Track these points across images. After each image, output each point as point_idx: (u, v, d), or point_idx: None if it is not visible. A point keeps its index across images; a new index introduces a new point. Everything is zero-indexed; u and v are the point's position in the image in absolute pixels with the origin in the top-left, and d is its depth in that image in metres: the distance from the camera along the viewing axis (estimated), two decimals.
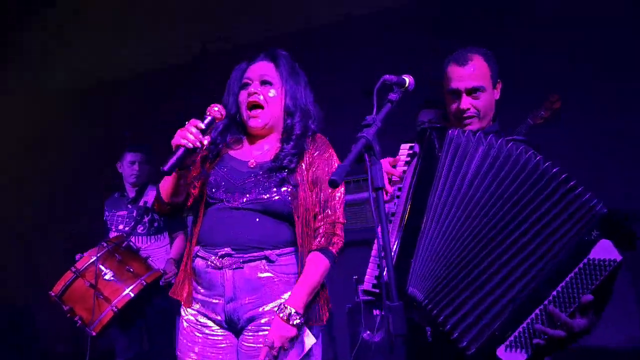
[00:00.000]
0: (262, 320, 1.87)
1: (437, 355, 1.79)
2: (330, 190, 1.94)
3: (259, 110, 1.97)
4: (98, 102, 6.11)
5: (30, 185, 6.18)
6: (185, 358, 1.94)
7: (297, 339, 1.84)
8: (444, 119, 2.57)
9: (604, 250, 1.61)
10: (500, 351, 1.63)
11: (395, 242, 1.77)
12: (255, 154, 2.02)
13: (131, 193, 3.89)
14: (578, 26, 4.09)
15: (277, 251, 1.89)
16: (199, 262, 1.95)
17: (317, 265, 1.88)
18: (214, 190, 1.95)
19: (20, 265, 6.23)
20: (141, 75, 5.96)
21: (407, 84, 1.77)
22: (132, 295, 3.22)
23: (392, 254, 1.64)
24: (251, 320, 1.89)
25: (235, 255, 1.88)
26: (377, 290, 1.81)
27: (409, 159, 1.93)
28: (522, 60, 4.15)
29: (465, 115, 2.00)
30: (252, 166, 1.98)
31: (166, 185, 1.94)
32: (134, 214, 3.79)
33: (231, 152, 2.03)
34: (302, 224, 1.89)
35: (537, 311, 1.63)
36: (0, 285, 6.02)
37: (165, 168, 1.79)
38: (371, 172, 1.48)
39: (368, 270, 1.90)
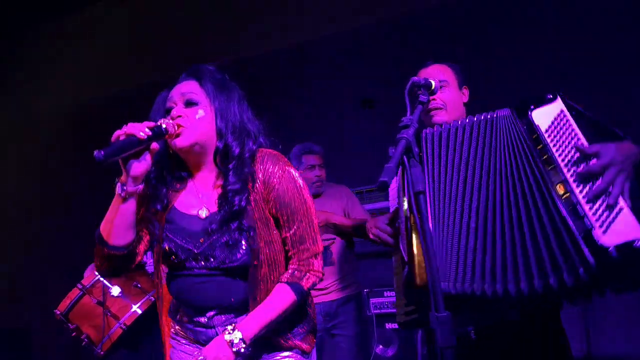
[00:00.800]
0: None
1: (484, 350, 1.77)
2: (307, 220, 1.74)
3: (183, 128, 1.68)
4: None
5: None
6: None
7: None
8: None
9: (544, 116, 1.66)
10: (604, 240, 1.46)
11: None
12: (201, 197, 1.76)
13: None
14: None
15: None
16: (183, 321, 1.81)
17: (282, 299, 1.69)
18: (173, 257, 1.73)
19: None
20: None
21: (433, 87, 1.82)
22: (140, 311, 3.13)
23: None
24: None
25: (225, 315, 1.73)
26: (412, 317, 1.80)
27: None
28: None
29: (430, 106, 2.07)
30: (203, 218, 1.73)
31: (113, 215, 1.63)
32: None
33: (176, 204, 1.76)
34: (258, 276, 1.69)
35: (572, 182, 1.55)
36: None
37: (101, 153, 1.46)
38: (411, 175, 1.42)
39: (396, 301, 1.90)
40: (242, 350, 1.62)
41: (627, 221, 1.46)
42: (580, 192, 1.54)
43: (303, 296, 1.72)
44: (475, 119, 1.77)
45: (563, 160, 1.59)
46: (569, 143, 1.61)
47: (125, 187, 1.59)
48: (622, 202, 1.50)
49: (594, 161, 1.53)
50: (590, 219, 1.48)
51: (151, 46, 5.63)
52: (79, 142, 6.12)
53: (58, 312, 3.13)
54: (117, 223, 1.63)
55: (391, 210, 2.04)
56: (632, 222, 1.45)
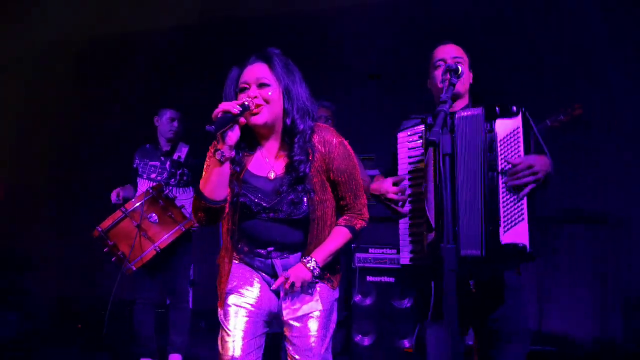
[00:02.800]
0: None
1: (479, 297, 2.30)
2: (356, 177, 2.19)
3: (261, 107, 2.05)
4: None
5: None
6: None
7: (310, 289, 2.14)
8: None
9: (504, 126, 2.23)
10: (503, 238, 2.18)
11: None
12: (268, 162, 2.16)
13: (165, 147, 4.20)
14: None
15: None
16: (244, 250, 2.22)
17: (341, 235, 2.17)
18: (246, 211, 2.14)
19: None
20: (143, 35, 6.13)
21: (460, 72, 2.29)
22: (173, 238, 3.59)
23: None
24: None
25: (281, 251, 2.18)
26: (420, 255, 2.31)
27: (420, 149, 2.37)
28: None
29: (455, 91, 2.36)
30: (272, 179, 2.13)
31: (213, 175, 2.02)
32: (167, 166, 4.11)
33: (249, 167, 2.17)
34: (315, 227, 2.13)
35: (501, 189, 2.20)
36: None
37: (212, 127, 1.87)
38: (442, 141, 1.93)
39: (402, 246, 2.38)
40: (317, 272, 2.11)
41: (522, 229, 2.16)
42: (503, 198, 2.19)
43: (356, 235, 2.19)
44: (465, 114, 2.28)
45: (502, 169, 2.20)
46: (511, 155, 2.21)
47: (223, 153, 1.98)
48: (525, 214, 2.17)
49: (520, 165, 2.16)
50: (501, 220, 2.17)
51: None
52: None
53: (100, 229, 3.55)
54: (216, 182, 2.02)
55: (400, 174, 2.42)
56: (525, 230, 2.15)
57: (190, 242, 4.06)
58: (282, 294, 2.15)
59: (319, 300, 2.16)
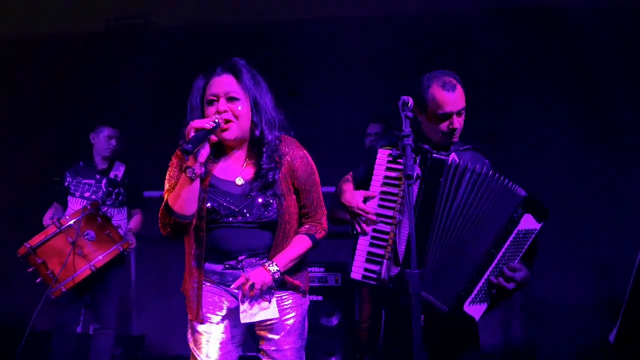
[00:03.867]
0: None
1: (429, 333, 2.22)
2: (317, 188, 2.24)
3: (231, 123, 2.08)
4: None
5: None
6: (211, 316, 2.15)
7: (268, 293, 2.10)
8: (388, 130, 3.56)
9: (528, 222, 2.30)
10: (466, 306, 2.28)
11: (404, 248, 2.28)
12: (237, 169, 2.18)
13: (101, 165, 4.04)
14: None
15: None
16: (212, 267, 2.18)
17: (302, 242, 2.18)
18: (214, 217, 2.11)
19: None
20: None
21: (409, 103, 2.18)
22: (109, 258, 3.40)
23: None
24: None
25: (253, 258, 2.14)
26: (374, 276, 2.30)
27: (395, 174, 2.33)
28: None
29: (455, 133, 2.40)
30: (240, 184, 2.14)
31: (183, 192, 2.00)
32: (102, 185, 3.95)
33: (215, 173, 2.17)
34: (282, 231, 2.14)
35: (489, 272, 2.29)
36: None
37: (189, 146, 1.90)
38: (406, 168, 2.02)
39: (356, 261, 2.35)
40: (277, 276, 2.09)
41: (482, 310, 2.32)
42: (484, 280, 2.30)
43: (316, 244, 2.21)
44: (490, 173, 2.30)
45: (500, 260, 2.29)
46: (512, 254, 2.31)
47: (194, 171, 1.98)
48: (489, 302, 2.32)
49: (509, 274, 2.29)
50: (472, 294, 2.29)
51: None
52: None
53: (28, 246, 3.29)
54: (186, 199, 2.01)
55: (372, 189, 2.35)
56: (482, 311, 2.32)
57: (123, 265, 3.88)
58: (239, 295, 2.10)
59: (276, 309, 2.13)
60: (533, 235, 2.32)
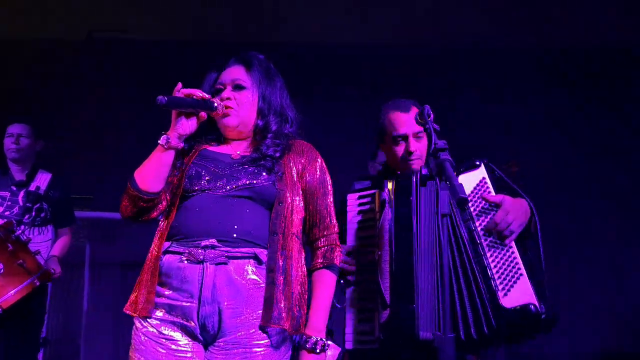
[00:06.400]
0: (238, 334, 1.69)
1: None
2: (328, 198, 1.93)
3: (231, 110, 1.87)
4: None
5: None
6: None
7: None
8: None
9: (469, 181, 1.95)
10: (504, 301, 1.76)
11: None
12: (236, 150, 1.92)
13: (18, 175, 3.36)
14: None
15: (265, 251, 1.75)
16: (168, 258, 1.74)
17: (328, 285, 1.86)
18: (194, 181, 1.79)
19: None
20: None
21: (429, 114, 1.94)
22: (23, 295, 2.74)
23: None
24: (223, 333, 1.70)
25: (221, 249, 1.70)
26: (368, 338, 1.92)
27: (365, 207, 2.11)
28: None
29: (412, 157, 2.17)
30: (236, 157, 1.87)
31: (150, 162, 1.77)
32: (20, 198, 3.26)
33: (209, 148, 1.92)
34: (284, 212, 1.79)
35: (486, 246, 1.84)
36: None
37: (164, 99, 1.64)
38: (440, 197, 1.59)
39: (348, 326, 1.99)
40: (326, 346, 1.77)
41: (524, 287, 1.76)
42: (490, 256, 1.81)
43: (338, 273, 1.89)
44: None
45: (480, 225, 1.88)
46: (483, 207, 1.91)
47: (169, 139, 1.73)
48: (522, 269, 1.78)
49: (499, 213, 1.85)
50: (496, 282, 1.76)
51: None
52: None
53: None
54: (152, 171, 1.75)
55: (349, 240, 2.10)
56: (528, 288, 1.76)
57: (46, 297, 3.22)
58: None
59: None
60: (485, 180, 1.97)
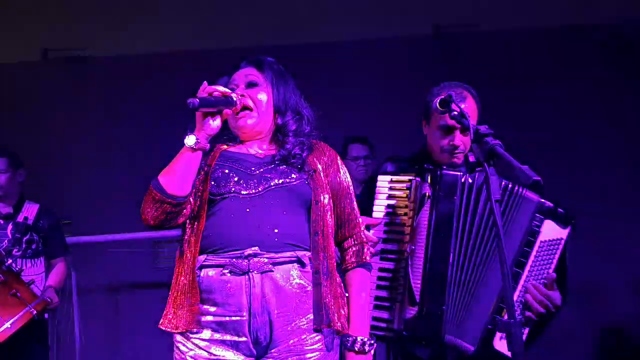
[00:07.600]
0: (290, 342, 1.67)
1: None
2: (352, 196, 1.90)
3: (248, 111, 1.81)
4: None
5: None
6: None
7: None
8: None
9: (551, 230, 2.01)
10: (496, 342, 1.96)
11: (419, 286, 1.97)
12: (257, 149, 1.86)
13: (4, 209, 3.33)
14: None
15: (308, 253, 1.71)
16: (207, 272, 1.68)
17: (366, 283, 1.85)
18: (221, 183, 1.71)
19: None
20: None
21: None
22: (19, 326, 2.72)
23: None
24: (275, 343, 1.67)
25: (264, 256, 1.65)
26: (384, 325, 1.99)
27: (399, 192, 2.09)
28: None
29: (456, 151, 2.11)
30: (261, 157, 1.81)
31: (178, 163, 1.67)
32: (8, 231, 3.24)
33: (229, 149, 1.85)
34: (321, 211, 1.76)
35: (515, 296, 1.96)
36: None
37: (196, 102, 1.62)
38: (491, 183, 1.58)
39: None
40: (372, 345, 1.76)
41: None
42: (516, 301, 1.96)
43: (371, 269, 1.88)
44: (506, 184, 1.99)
45: (528, 275, 1.99)
46: (541, 266, 2.01)
47: (198, 139, 1.66)
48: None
49: (541, 298, 1.96)
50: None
51: None
52: None
53: None
54: (180, 174, 1.65)
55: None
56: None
57: (46, 332, 3.16)
58: None
59: None
60: (560, 245, 2.02)
